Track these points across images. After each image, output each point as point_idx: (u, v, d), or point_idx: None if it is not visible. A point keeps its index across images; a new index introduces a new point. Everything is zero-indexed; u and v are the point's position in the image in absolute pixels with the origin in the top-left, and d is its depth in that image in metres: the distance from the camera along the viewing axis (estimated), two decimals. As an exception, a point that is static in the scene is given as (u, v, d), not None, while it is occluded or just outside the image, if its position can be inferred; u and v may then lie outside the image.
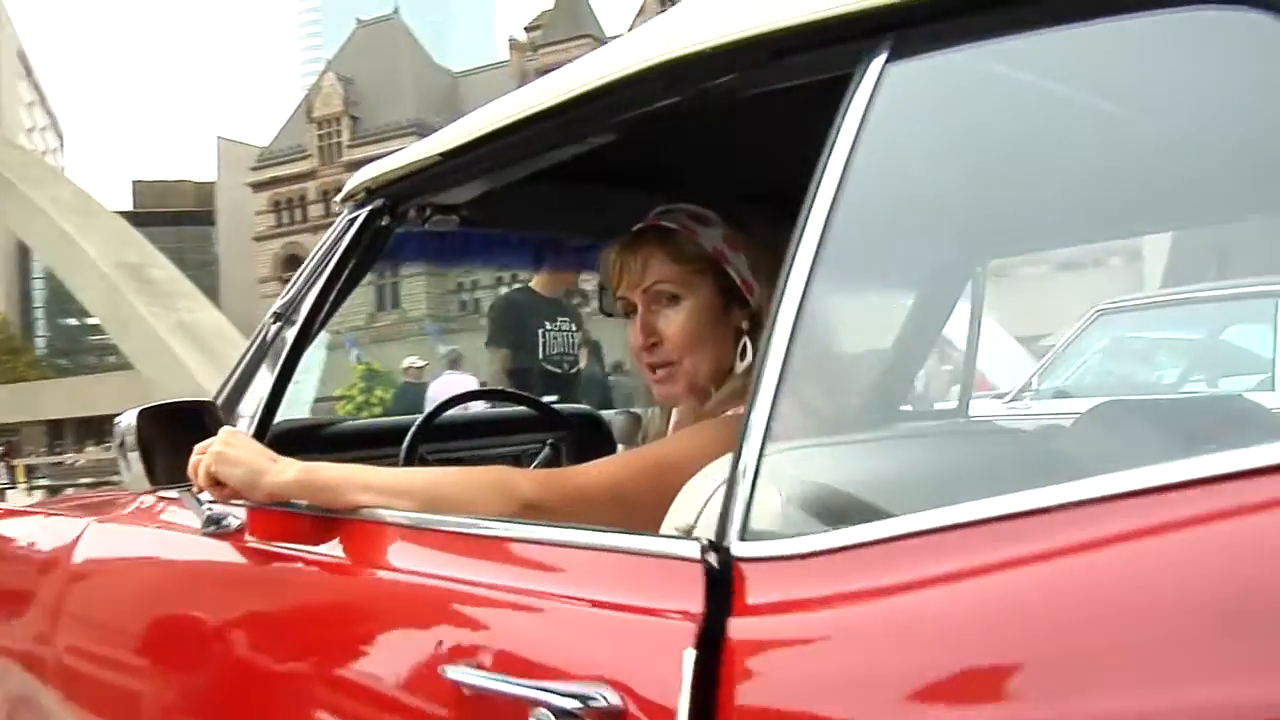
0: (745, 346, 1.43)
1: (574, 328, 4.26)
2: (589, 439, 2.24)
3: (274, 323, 1.61)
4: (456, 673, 0.94)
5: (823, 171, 0.88)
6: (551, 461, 2.18)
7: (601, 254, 1.48)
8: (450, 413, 2.10)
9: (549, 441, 2.19)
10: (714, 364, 1.44)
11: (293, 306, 1.59)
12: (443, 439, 2.03)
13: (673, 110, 1.16)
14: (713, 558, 0.83)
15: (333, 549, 1.26)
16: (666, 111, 1.17)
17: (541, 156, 1.37)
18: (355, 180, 1.60)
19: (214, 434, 1.45)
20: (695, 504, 1.07)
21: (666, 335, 1.43)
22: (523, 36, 50.66)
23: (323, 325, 1.59)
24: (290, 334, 1.57)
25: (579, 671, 0.87)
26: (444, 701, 0.98)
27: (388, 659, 1.10)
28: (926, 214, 1.00)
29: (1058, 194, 0.94)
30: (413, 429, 1.94)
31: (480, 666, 0.93)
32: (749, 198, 1.48)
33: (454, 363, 8.93)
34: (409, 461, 1.92)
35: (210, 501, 1.45)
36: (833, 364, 0.94)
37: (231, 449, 1.32)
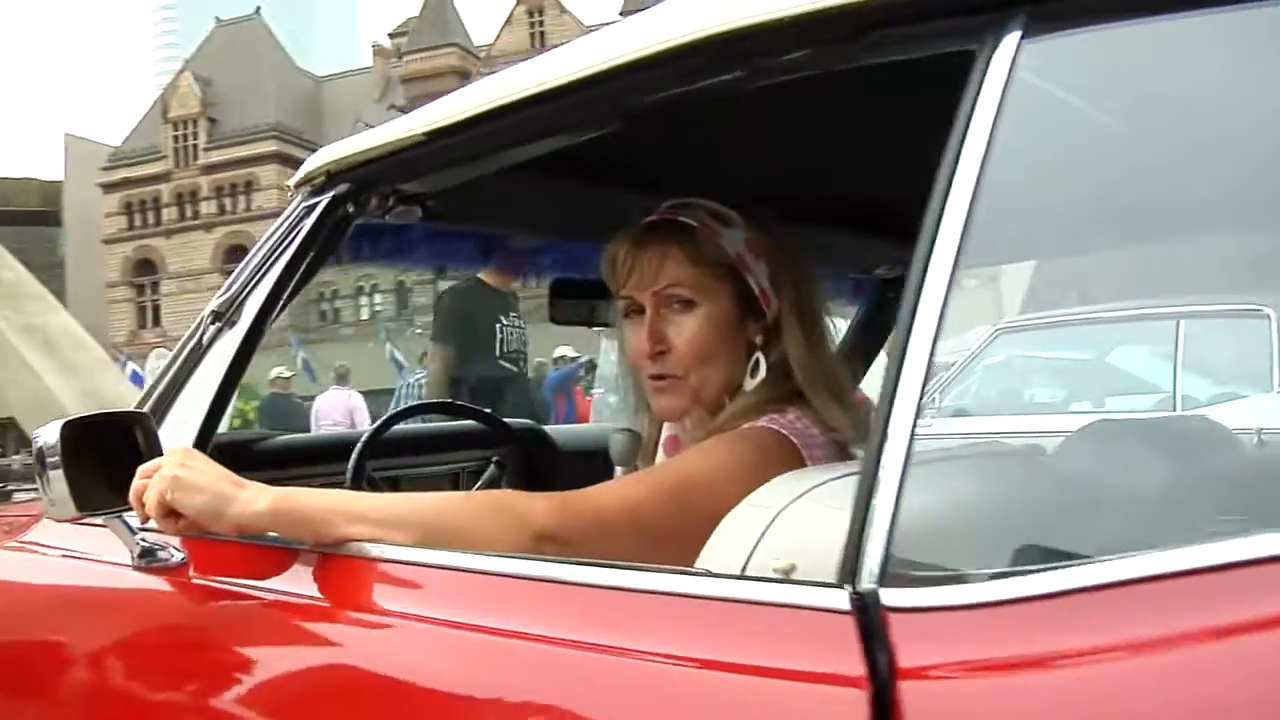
0: (758, 362, 1.31)
1: (522, 325, 4.01)
2: (536, 455, 2.08)
3: (213, 322, 1.40)
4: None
5: (954, 168, 0.75)
6: (496, 479, 2.02)
7: (608, 247, 1.33)
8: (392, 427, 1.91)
9: (494, 459, 2.03)
10: (723, 379, 1.32)
11: (235, 305, 1.39)
12: (385, 455, 1.85)
13: (714, 93, 1.02)
14: (861, 608, 0.69)
15: (305, 587, 1.08)
16: (704, 95, 1.03)
17: (548, 140, 1.20)
18: (313, 163, 1.41)
19: (149, 450, 1.24)
20: (747, 536, 0.94)
21: (676, 344, 1.30)
22: (387, 43, 49.75)
23: (271, 325, 1.40)
24: (234, 336, 1.37)
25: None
26: None
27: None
28: (1080, 216, 0.88)
29: (1232, 195, 0.83)
30: (359, 445, 1.75)
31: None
32: (761, 199, 1.34)
33: (341, 377, 8.72)
34: (356, 480, 1.73)
35: (145, 529, 1.25)
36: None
37: (191, 473, 1.09)
